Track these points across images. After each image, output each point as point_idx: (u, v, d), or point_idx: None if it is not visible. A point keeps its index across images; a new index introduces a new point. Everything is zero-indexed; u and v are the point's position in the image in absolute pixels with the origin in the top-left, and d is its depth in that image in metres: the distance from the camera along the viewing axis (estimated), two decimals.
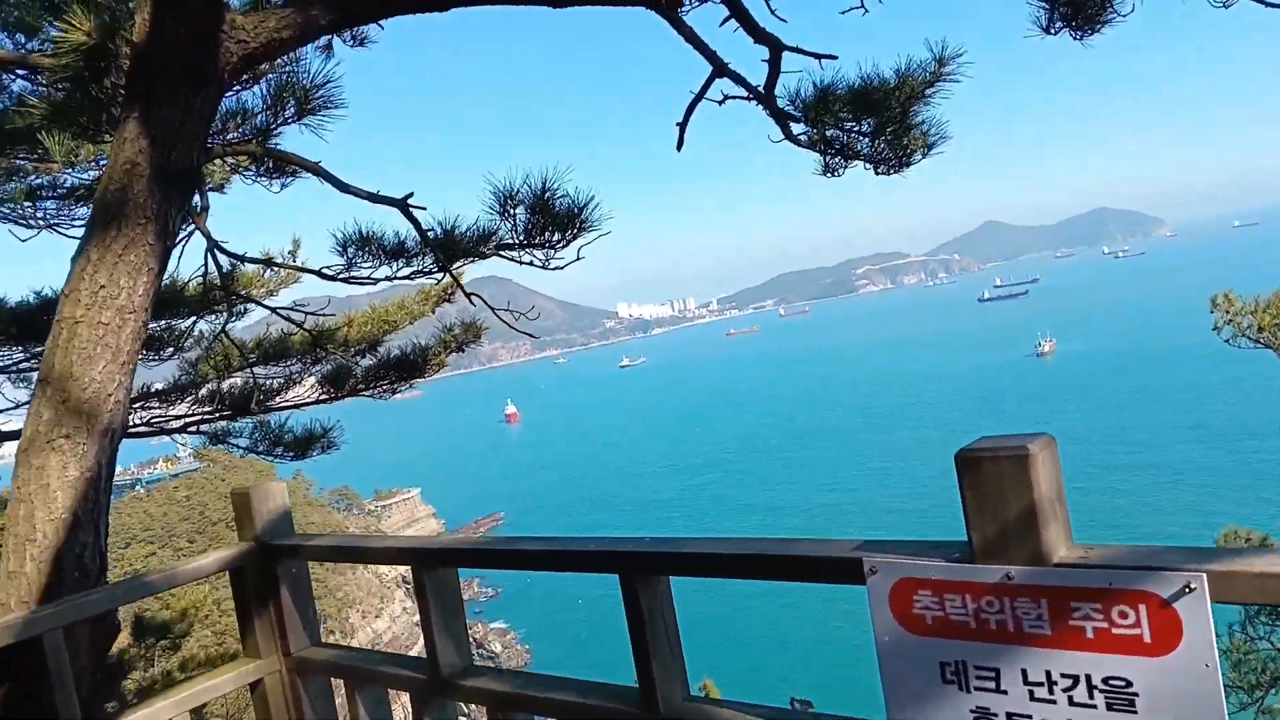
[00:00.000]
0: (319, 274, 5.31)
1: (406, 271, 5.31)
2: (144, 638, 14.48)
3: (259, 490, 3.30)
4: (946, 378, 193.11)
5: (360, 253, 5.16)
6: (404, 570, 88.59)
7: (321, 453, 8.55)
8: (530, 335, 5.26)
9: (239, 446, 8.58)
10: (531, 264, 4.24)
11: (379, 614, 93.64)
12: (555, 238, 4.08)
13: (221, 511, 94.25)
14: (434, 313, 9.67)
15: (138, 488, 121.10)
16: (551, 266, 4.19)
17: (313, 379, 9.15)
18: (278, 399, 9.03)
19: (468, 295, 4.82)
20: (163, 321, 8.29)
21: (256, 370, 9.08)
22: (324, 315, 6.63)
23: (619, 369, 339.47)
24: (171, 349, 8.69)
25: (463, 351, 9.34)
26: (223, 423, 8.70)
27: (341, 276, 5.25)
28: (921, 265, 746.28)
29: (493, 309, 4.71)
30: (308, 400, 9.13)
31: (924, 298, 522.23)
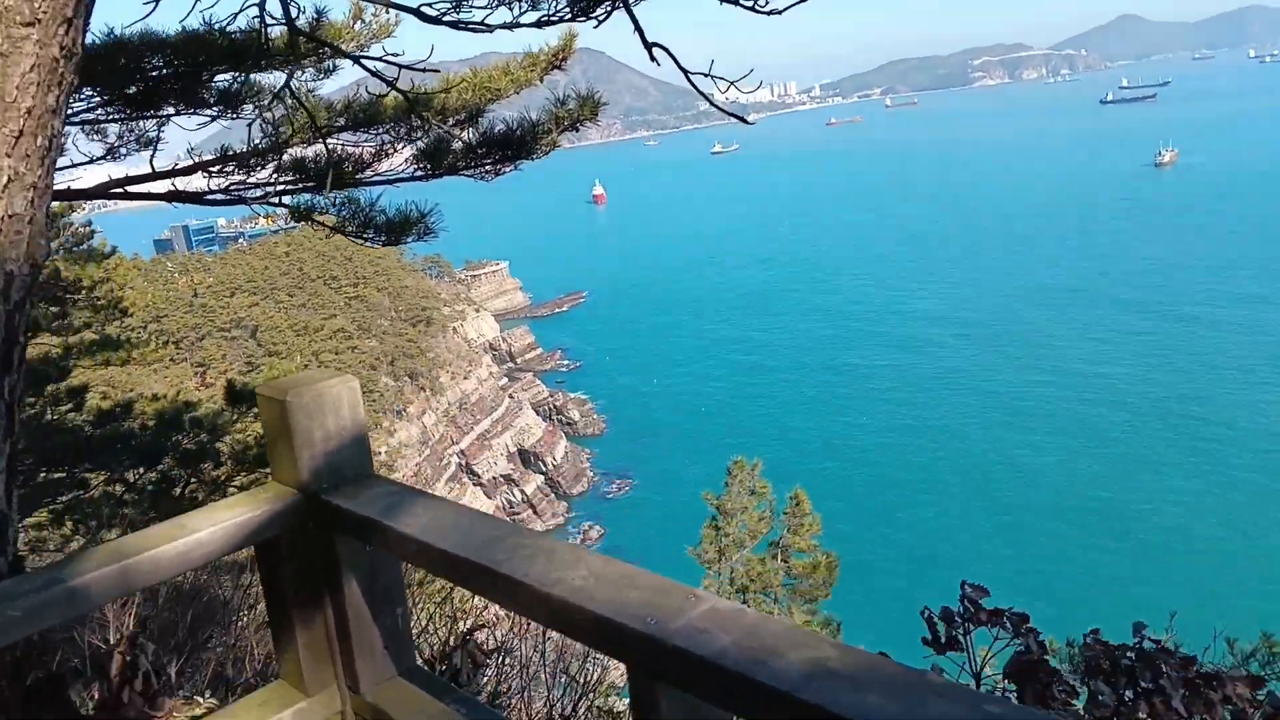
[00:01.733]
0: (417, 13, 4.00)
1: (533, 17, 3.97)
2: (236, 404, 14.30)
3: (306, 393, 1.81)
4: (1052, 185, 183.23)
5: None
6: (491, 337, 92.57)
7: (418, 239, 7.54)
8: (743, 120, 3.93)
9: (324, 224, 7.58)
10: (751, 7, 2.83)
11: (467, 375, 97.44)
12: None
13: (320, 269, 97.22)
14: (542, 81, 8.30)
15: (240, 241, 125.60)
16: (768, 9, 2.81)
17: (408, 151, 8.04)
18: (368, 171, 7.97)
19: (650, 49, 3.31)
20: (230, 74, 7.10)
21: (345, 138, 7.98)
22: (424, 69, 5.34)
23: (710, 155, 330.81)
24: (251, 106, 7.58)
25: (577, 130, 8.06)
26: (307, 195, 7.70)
27: (447, 18, 3.94)
28: (1044, 60, 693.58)
29: (689, 75, 3.24)
30: (401, 175, 8.06)
31: (1043, 95, 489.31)
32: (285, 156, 7.65)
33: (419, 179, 7.82)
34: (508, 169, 7.93)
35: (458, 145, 7.68)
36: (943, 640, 3.69)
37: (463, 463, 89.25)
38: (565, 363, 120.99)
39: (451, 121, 7.69)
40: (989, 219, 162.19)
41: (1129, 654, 3.20)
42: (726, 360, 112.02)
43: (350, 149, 7.86)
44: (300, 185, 7.65)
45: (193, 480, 13.16)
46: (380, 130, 7.78)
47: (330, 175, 7.37)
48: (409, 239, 7.42)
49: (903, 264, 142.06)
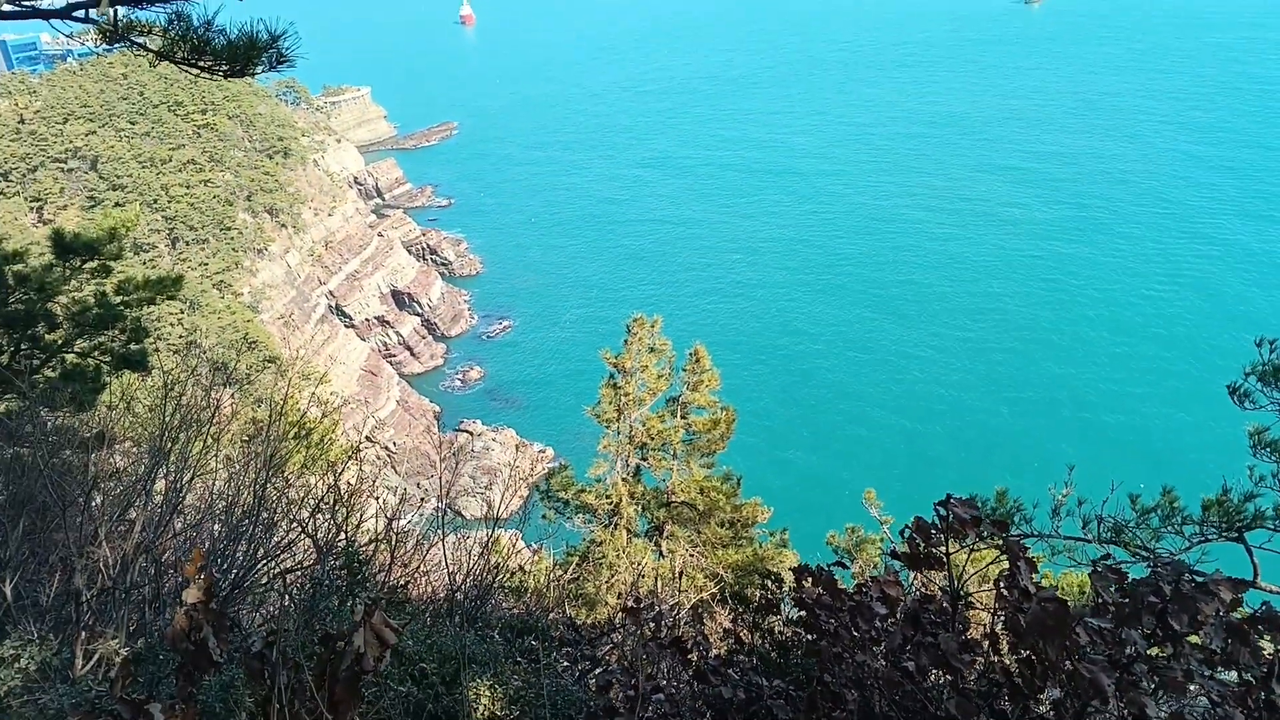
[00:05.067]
0: None
1: None
2: (67, 257, 12.75)
3: None
4: (929, 21, 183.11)
5: None
6: (355, 170, 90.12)
7: (269, 69, 6.15)
8: None
9: (147, 48, 6.11)
10: None
11: (331, 212, 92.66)
12: None
13: (163, 94, 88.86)
14: None
15: (69, 60, 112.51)
16: None
17: None
18: None
19: None
20: None
21: None
22: None
23: None
24: None
25: None
26: (124, 10, 6.18)
27: None
28: None
29: None
30: None
31: None
32: None
33: None
34: None
35: None
36: (921, 557, 3.37)
37: (332, 304, 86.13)
38: (437, 200, 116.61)
39: None
40: (869, 52, 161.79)
41: (1152, 595, 2.71)
42: (602, 199, 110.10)
43: None
44: None
45: (23, 347, 11.62)
46: None
47: None
48: (258, 68, 5.99)
49: (786, 95, 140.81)
